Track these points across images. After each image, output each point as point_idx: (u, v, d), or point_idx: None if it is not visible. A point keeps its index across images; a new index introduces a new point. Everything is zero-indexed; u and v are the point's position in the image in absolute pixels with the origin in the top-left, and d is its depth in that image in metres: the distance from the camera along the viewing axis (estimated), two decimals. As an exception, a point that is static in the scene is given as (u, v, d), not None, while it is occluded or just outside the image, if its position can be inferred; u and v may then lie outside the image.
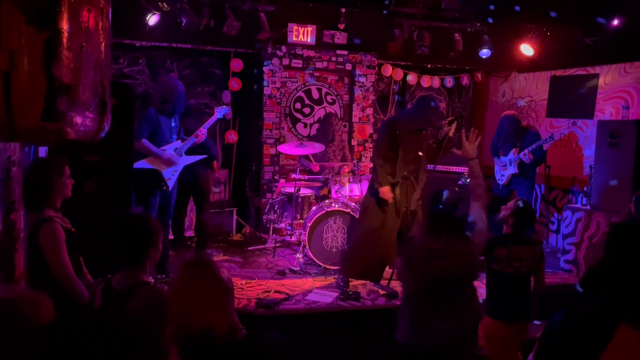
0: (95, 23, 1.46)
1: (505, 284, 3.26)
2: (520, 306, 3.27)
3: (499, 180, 6.23)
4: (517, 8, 5.63)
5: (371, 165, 6.31)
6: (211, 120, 5.11)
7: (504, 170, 6.10)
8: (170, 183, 4.80)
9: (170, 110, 4.74)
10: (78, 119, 1.43)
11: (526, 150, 5.74)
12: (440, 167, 6.85)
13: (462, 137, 3.20)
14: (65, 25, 1.34)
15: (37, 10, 1.28)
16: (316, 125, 6.83)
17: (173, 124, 4.84)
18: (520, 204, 3.39)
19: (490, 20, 6.16)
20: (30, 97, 1.31)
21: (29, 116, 1.31)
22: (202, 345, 1.62)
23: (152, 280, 2.46)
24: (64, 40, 1.35)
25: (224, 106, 5.36)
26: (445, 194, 2.68)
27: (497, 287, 3.29)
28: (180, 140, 4.89)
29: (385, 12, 6.01)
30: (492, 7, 5.83)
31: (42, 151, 3.85)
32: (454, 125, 4.49)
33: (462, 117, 7.78)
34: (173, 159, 4.77)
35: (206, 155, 5.21)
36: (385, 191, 4.50)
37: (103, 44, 1.54)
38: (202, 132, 5.00)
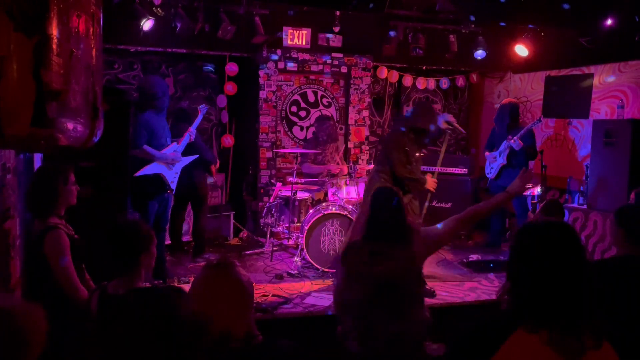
0: (85, 28, 1.45)
1: None
2: None
3: (487, 174, 6.21)
4: (503, 24, 5.66)
5: (367, 167, 6.31)
6: (198, 119, 5.16)
7: (494, 162, 6.08)
8: (174, 186, 4.81)
9: (163, 107, 4.75)
10: (69, 125, 1.41)
11: (516, 137, 5.73)
12: (438, 169, 6.84)
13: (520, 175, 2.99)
14: (54, 31, 1.33)
15: (25, 16, 1.27)
16: (312, 128, 6.82)
17: (166, 126, 4.84)
18: (548, 200, 3.40)
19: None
20: (20, 103, 1.29)
21: (18, 123, 1.30)
22: (218, 349, 1.60)
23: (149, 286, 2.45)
24: (54, 46, 1.33)
25: (204, 105, 5.41)
26: (396, 199, 2.62)
27: None
28: (176, 143, 4.89)
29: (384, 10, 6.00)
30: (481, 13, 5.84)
31: (37, 158, 3.84)
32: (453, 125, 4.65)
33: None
34: (176, 158, 4.79)
35: (198, 155, 5.21)
36: (430, 181, 4.78)
37: (94, 50, 1.52)
38: (193, 131, 5.04)
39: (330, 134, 6.15)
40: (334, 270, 5.03)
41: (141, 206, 4.64)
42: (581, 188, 5.71)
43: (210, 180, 5.86)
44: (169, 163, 4.74)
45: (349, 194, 5.62)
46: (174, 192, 4.86)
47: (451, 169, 6.81)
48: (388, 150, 4.79)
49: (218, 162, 5.93)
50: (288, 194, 5.69)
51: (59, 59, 1.33)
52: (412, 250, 2.58)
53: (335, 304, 2.70)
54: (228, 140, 6.76)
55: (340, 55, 6.69)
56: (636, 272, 2.39)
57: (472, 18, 6.22)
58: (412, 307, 2.53)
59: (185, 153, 4.99)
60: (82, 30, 1.42)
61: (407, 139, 4.71)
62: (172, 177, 4.79)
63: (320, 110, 6.93)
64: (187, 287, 4.82)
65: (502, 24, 5.74)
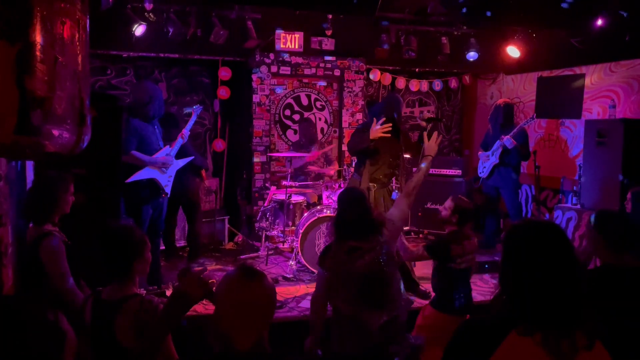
0: (71, 35, 1.44)
1: (458, 279, 3.32)
2: (468, 299, 3.36)
3: (480, 173, 6.22)
4: (488, 13, 5.65)
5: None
6: (192, 120, 5.13)
7: (487, 161, 6.10)
8: (168, 189, 4.79)
9: (151, 114, 4.71)
10: (55, 132, 1.40)
11: (508, 135, 5.75)
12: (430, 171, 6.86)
13: (424, 136, 3.34)
14: (38, 38, 1.32)
15: (8, 23, 1.26)
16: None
17: (157, 131, 4.82)
18: (459, 199, 3.44)
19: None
20: (3, 111, 1.29)
21: (2, 130, 1.29)
22: (218, 353, 1.61)
23: (144, 292, 2.44)
24: (37, 53, 1.33)
25: (198, 105, 5.39)
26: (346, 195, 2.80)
27: (451, 283, 3.32)
28: (168, 146, 4.88)
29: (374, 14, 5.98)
30: (464, 9, 5.84)
31: (30, 165, 3.82)
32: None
33: (441, 120, 7.80)
34: (168, 161, 4.77)
35: (194, 157, 5.20)
36: (372, 131, 4.27)
37: (80, 56, 1.52)
38: (186, 133, 5.03)
39: (305, 135, 6.22)
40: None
41: (135, 211, 4.62)
42: (574, 188, 5.73)
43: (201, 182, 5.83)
44: (160, 167, 4.72)
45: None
46: (168, 196, 4.84)
47: (445, 170, 6.83)
48: None
49: (210, 166, 5.91)
50: (282, 197, 5.68)
51: (43, 65, 1.33)
52: (382, 239, 2.71)
53: (316, 313, 2.76)
54: (219, 145, 6.75)
55: (333, 58, 6.70)
56: (616, 284, 2.35)
57: (464, 10, 6.19)
58: (396, 291, 2.66)
59: (179, 157, 4.98)
60: (67, 37, 1.42)
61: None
62: (165, 181, 4.78)
63: (313, 114, 6.93)
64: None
65: (488, 13, 5.70)
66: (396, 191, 4.72)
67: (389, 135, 4.33)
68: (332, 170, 6.16)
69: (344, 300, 2.60)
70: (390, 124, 4.30)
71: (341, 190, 3.81)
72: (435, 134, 3.29)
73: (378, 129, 4.26)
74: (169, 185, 4.80)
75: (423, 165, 3.16)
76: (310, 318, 2.90)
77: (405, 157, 4.79)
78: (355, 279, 2.57)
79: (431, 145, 3.23)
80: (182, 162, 4.97)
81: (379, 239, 2.68)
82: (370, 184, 4.48)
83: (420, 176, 3.10)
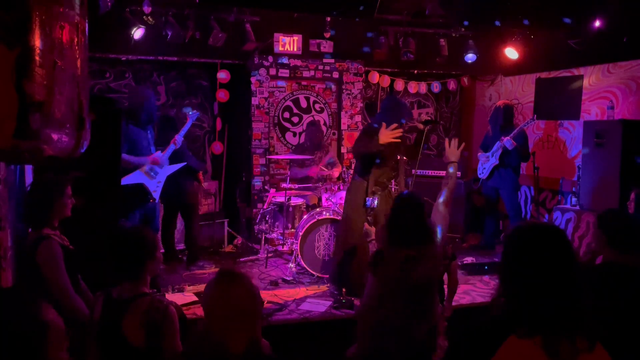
0: (70, 39, 1.44)
1: None
2: None
3: (479, 174, 6.22)
4: (497, 23, 5.69)
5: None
6: (187, 125, 5.12)
7: (486, 162, 6.11)
8: (156, 195, 4.78)
9: (143, 120, 4.70)
10: (54, 136, 1.41)
11: (509, 137, 5.77)
12: (419, 172, 6.85)
13: (445, 143, 3.41)
14: (37, 42, 1.33)
15: (6, 27, 1.27)
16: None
17: (149, 136, 4.82)
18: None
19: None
20: (2, 115, 1.29)
21: (1, 134, 1.29)
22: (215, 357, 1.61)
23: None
24: (36, 58, 1.33)
25: (194, 111, 5.38)
26: (407, 197, 2.78)
27: None
28: (160, 151, 4.87)
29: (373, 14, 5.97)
30: (475, 19, 5.87)
31: (29, 169, 3.82)
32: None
33: (438, 122, 7.81)
34: (159, 160, 4.75)
35: (185, 163, 5.20)
36: (382, 135, 4.21)
37: (79, 60, 1.52)
38: (179, 139, 5.01)
39: (312, 139, 6.20)
40: (327, 276, 5.04)
41: (124, 216, 4.61)
42: (573, 189, 5.74)
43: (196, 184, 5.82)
44: (149, 171, 4.71)
45: (342, 198, 5.61)
46: (157, 201, 4.83)
47: (444, 172, 6.81)
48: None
49: (209, 169, 5.90)
50: (282, 200, 5.68)
51: (42, 70, 1.33)
52: (438, 249, 2.70)
53: (365, 322, 2.65)
54: (217, 147, 6.75)
55: (332, 60, 6.71)
56: (618, 280, 2.36)
57: (466, 23, 6.26)
58: (436, 300, 2.63)
59: (172, 162, 4.97)
60: (66, 41, 1.42)
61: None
62: (154, 186, 4.76)
63: (312, 116, 6.94)
64: (181, 296, 4.80)
65: (497, 23, 5.75)
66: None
67: (399, 140, 4.35)
68: (337, 172, 6.17)
69: (394, 311, 2.50)
70: (401, 130, 4.31)
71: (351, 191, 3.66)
72: (455, 140, 3.38)
73: (389, 134, 4.24)
74: (157, 190, 4.78)
75: (451, 171, 3.26)
76: (359, 328, 2.74)
77: (404, 160, 4.81)
78: (408, 289, 2.49)
79: (453, 151, 3.33)
80: (173, 168, 4.96)
81: (432, 247, 2.62)
82: (375, 187, 4.50)
83: (453, 183, 3.21)
